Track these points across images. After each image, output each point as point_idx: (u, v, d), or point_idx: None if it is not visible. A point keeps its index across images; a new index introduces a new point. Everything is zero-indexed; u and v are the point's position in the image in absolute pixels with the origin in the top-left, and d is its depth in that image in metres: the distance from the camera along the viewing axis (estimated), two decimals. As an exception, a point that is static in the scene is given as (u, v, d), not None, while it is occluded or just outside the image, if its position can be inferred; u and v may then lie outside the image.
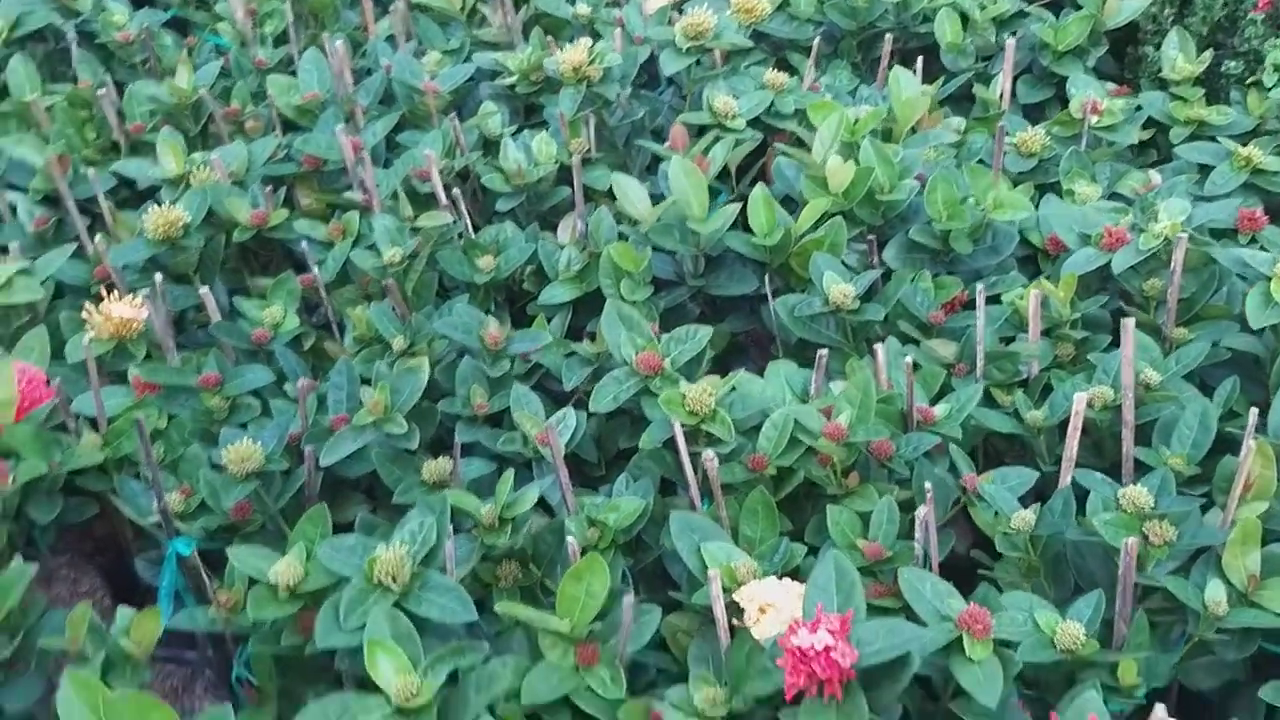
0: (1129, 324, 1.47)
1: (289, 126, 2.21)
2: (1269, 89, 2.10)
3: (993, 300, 1.77)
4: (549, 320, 1.85)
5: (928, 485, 1.39)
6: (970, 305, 1.77)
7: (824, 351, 1.59)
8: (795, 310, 1.72)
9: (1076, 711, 1.20)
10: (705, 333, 1.67)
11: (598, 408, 1.62)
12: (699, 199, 1.79)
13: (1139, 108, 2.13)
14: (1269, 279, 1.54)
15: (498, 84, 2.25)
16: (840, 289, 1.70)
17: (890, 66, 2.11)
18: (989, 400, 1.68)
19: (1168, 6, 2.25)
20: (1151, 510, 1.39)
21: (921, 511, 1.38)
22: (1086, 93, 2.08)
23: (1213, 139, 2.05)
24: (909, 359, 1.55)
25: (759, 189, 1.79)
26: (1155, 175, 1.97)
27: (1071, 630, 1.30)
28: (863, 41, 2.40)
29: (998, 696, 1.23)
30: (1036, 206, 1.90)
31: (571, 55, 2.00)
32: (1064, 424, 1.53)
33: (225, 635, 1.64)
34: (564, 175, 2.01)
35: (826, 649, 1.18)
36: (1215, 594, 1.34)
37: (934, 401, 1.62)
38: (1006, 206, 1.80)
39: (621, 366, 1.63)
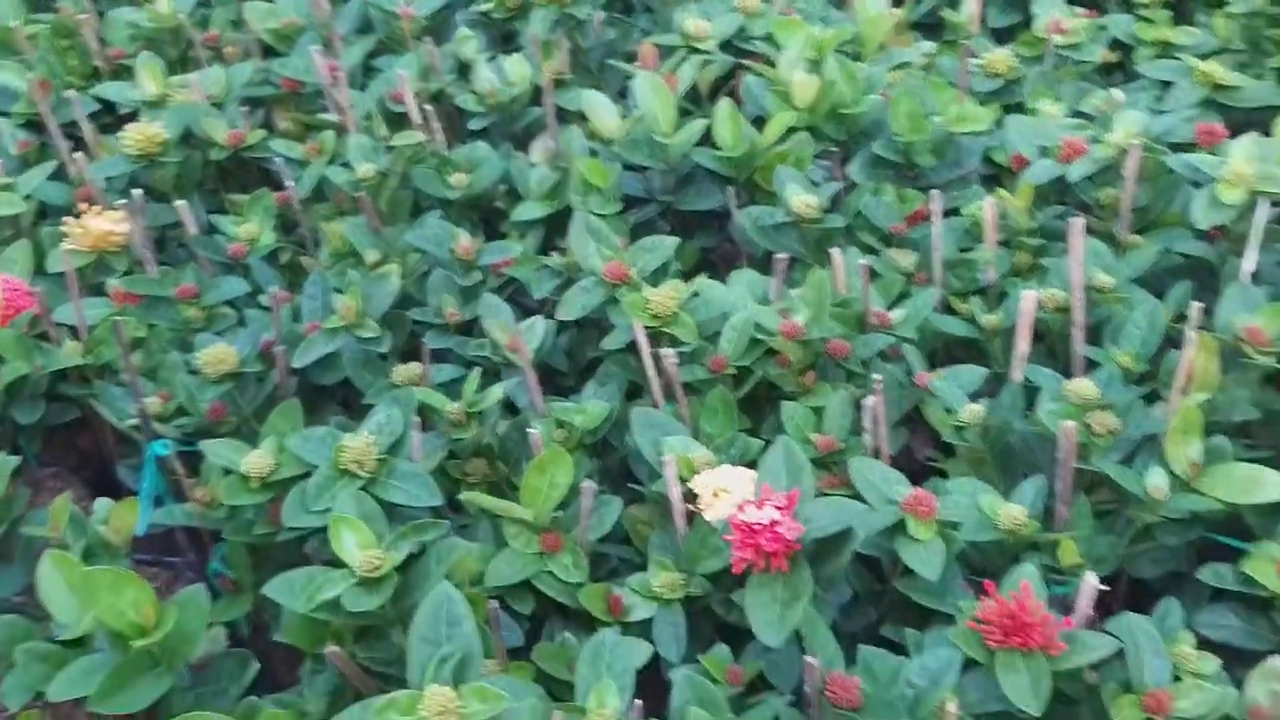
0: (1077, 224, 1.51)
1: (268, 52, 2.25)
2: (1236, 11, 2.12)
3: (955, 213, 1.81)
4: (522, 238, 1.89)
5: (876, 376, 1.43)
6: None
7: (782, 256, 1.63)
8: (758, 220, 1.76)
9: (1013, 582, 1.25)
10: (671, 242, 1.71)
11: (566, 315, 1.67)
12: (666, 114, 1.82)
13: (1103, 28, 2.16)
14: (1216, 181, 1.57)
15: (474, 10, 2.28)
16: (802, 199, 1.73)
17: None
18: (948, 308, 1.73)
19: (1136, -71, 2.27)
20: (1097, 401, 1.44)
21: (870, 401, 1.42)
22: (1051, 14, 2.11)
23: (1177, 59, 2.08)
24: (863, 262, 1.59)
25: (724, 103, 1.82)
26: (1118, 93, 2.00)
27: (1013, 512, 1.34)
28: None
29: (939, 571, 1.28)
30: (999, 125, 1.94)
31: (543, -23, 2.03)
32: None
33: (204, 537, 1.70)
34: (538, 97, 2.05)
35: (772, 523, 1.23)
36: (1156, 480, 1.39)
37: (892, 307, 1.67)
38: (967, 120, 1.84)
39: (590, 277, 1.68)
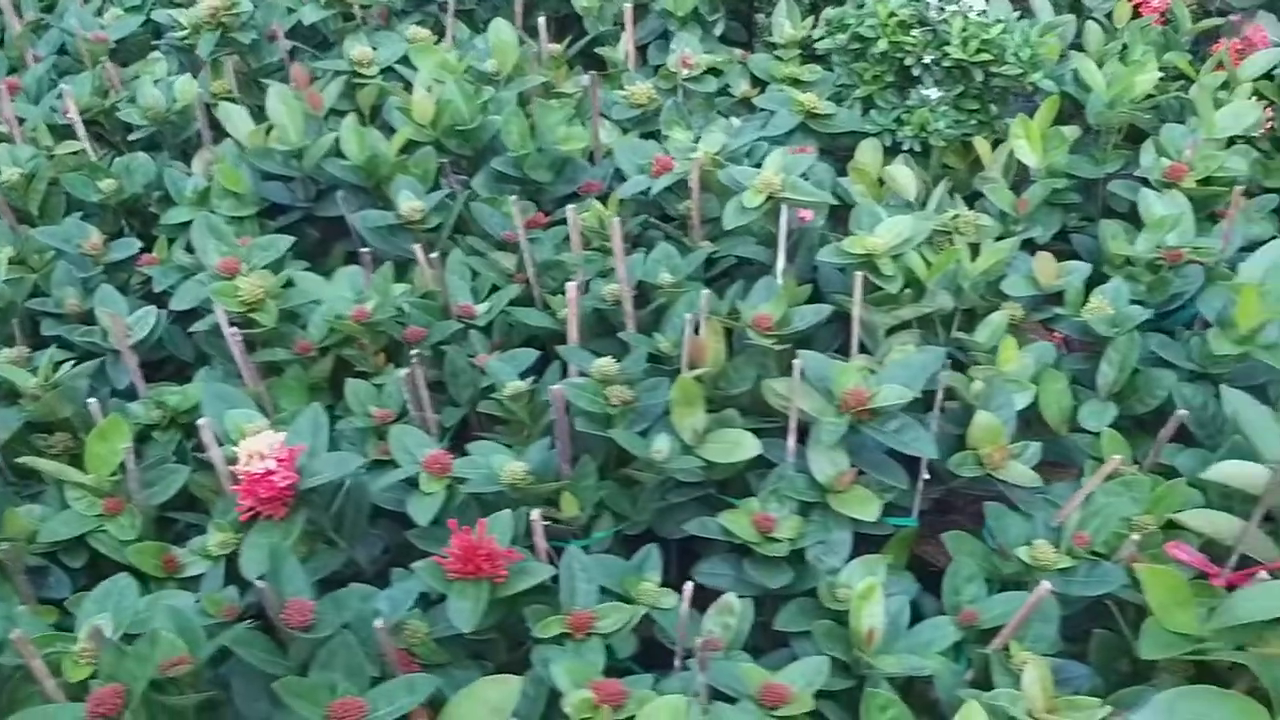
0: (615, 224, 1.69)
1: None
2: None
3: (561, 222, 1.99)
4: (171, 241, 2.03)
5: (414, 354, 1.59)
6: (550, 226, 2.00)
7: (365, 251, 1.79)
8: (371, 223, 1.92)
9: (501, 523, 1.40)
10: (285, 242, 1.86)
11: (178, 305, 1.81)
12: (295, 126, 1.98)
13: (744, 64, 2.39)
14: (747, 189, 1.77)
15: (172, 37, 2.42)
16: (411, 205, 1.90)
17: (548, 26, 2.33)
18: (547, 305, 1.89)
19: (777, -23, 2.51)
20: (615, 377, 1.61)
21: (404, 373, 1.58)
22: (684, 50, 2.33)
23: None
24: (444, 258, 1.75)
25: (350, 118, 1.99)
26: (736, 121, 2.22)
27: (515, 468, 1.51)
28: (528, 6, 2.63)
29: (430, 517, 1.43)
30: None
31: (209, 1, 2.18)
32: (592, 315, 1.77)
33: None
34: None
35: (267, 473, 1.37)
36: (660, 445, 1.56)
37: (481, 301, 1.84)
38: (571, 140, 2.03)
39: (206, 271, 1.82)
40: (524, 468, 1.51)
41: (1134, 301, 1.82)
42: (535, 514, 1.36)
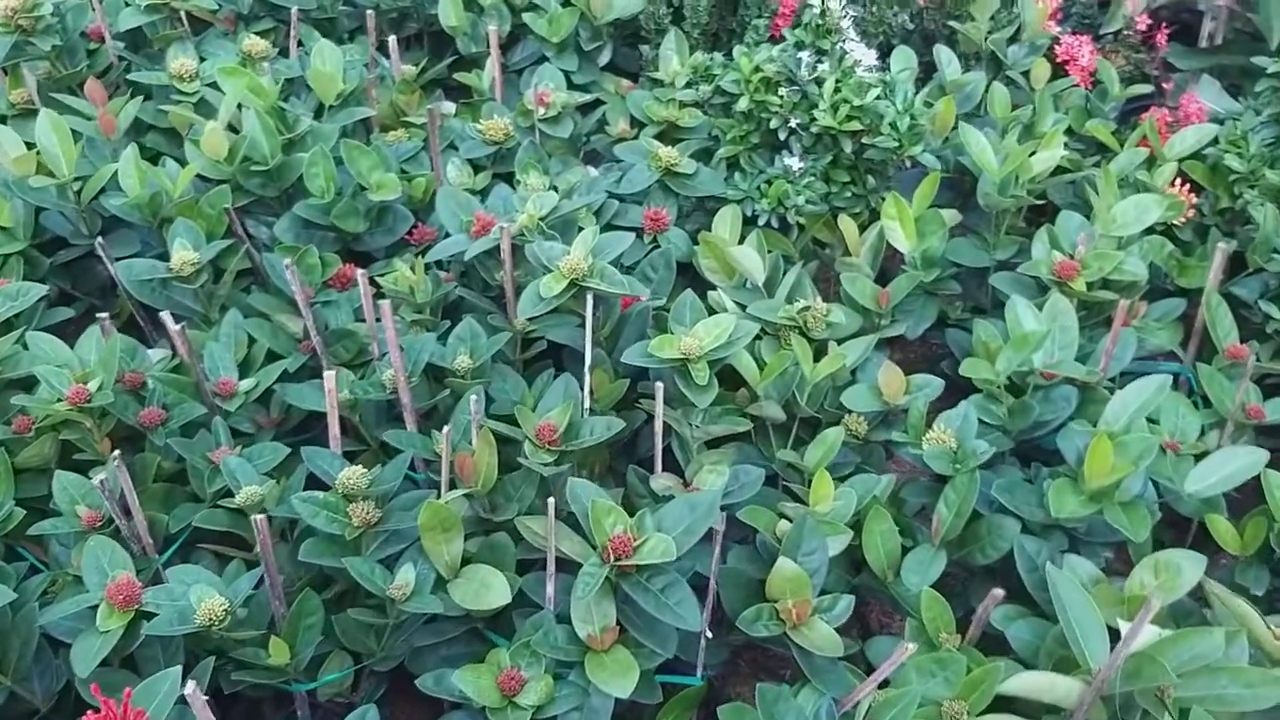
0: (385, 306, 1.46)
1: None
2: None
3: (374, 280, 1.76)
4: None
5: (114, 455, 1.36)
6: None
7: (104, 316, 1.55)
8: (131, 274, 1.68)
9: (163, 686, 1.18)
10: (36, 291, 1.63)
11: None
12: (68, 154, 1.74)
13: (621, 99, 2.15)
14: (550, 272, 1.53)
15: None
16: (182, 255, 1.67)
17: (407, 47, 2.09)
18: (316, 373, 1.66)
19: (665, 6, 2.26)
20: (360, 490, 1.39)
21: (101, 477, 1.35)
22: (547, 84, 2.08)
23: (688, 139, 2.06)
24: (178, 329, 1.52)
25: (131, 149, 1.75)
26: (593, 170, 1.98)
27: (214, 606, 1.28)
28: (392, 20, 2.39)
29: (91, 666, 1.21)
30: (484, 197, 1.89)
31: (3, 2, 1.94)
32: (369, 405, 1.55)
33: None
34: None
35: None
36: (403, 579, 1.34)
37: (245, 375, 1.61)
38: (386, 188, 1.79)
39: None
40: (223, 605, 1.28)
41: (991, 426, 1.59)
42: (190, 686, 1.13)
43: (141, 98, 1.92)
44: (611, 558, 1.27)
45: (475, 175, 2.00)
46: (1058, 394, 1.59)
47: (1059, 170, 2.01)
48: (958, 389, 1.66)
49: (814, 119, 1.75)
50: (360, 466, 1.41)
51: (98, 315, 1.53)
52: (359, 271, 1.62)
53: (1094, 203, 1.79)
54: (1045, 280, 1.75)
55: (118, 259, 1.80)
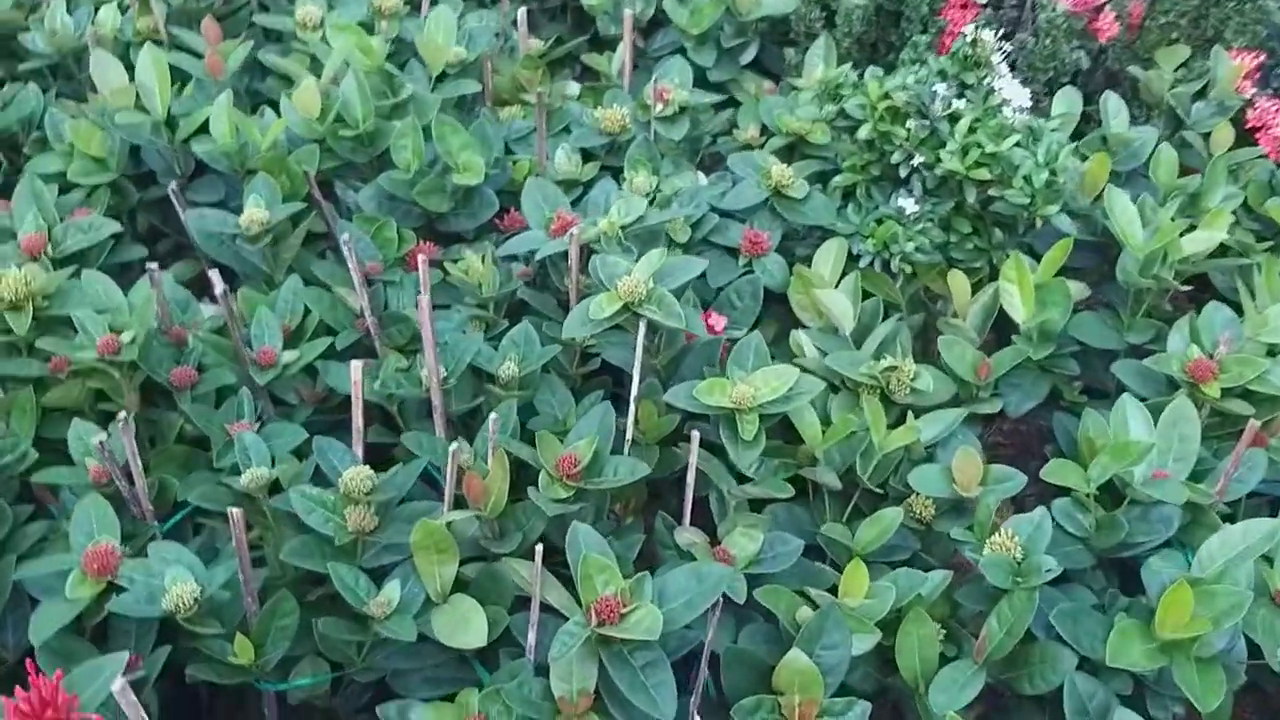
0: (423, 302, 1.37)
1: None
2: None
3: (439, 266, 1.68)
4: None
5: (121, 415, 1.31)
6: (436, 264, 1.69)
7: (154, 266, 1.50)
8: (201, 225, 1.64)
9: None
10: (109, 228, 1.62)
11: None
12: (162, 89, 1.71)
13: (756, 103, 2.00)
14: (605, 291, 1.41)
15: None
16: (252, 214, 1.62)
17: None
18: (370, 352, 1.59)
19: (818, 10, 2.09)
20: (364, 493, 1.31)
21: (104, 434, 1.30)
22: (673, 79, 1.96)
23: (815, 156, 1.91)
24: (223, 290, 1.46)
25: (225, 95, 1.70)
26: (702, 176, 1.85)
27: (183, 591, 1.22)
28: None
29: (48, 633, 1.17)
30: (589, 189, 1.79)
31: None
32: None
33: None
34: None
35: None
36: (385, 597, 1.26)
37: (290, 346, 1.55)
38: (470, 171, 1.70)
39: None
40: (194, 592, 1.22)
41: (1073, 537, 1.40)
42: (119, 685, 1.07)
43: (252, 43, 1.88)
44: (594, 621, 1.15)
45: (584, 165, 1.89)
46: (1157, 514, 1.39)
47: (1223, 252, 1.77)
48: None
49: (939, 159, 1.58)
50: (367, 469, 1.33)
51: (147, 265, 1.49)
52: (419, 255, 1.54)
53: (1254, 297, 1.56)
54: (1176, 378, 1.54)
55: (199, 204, 1.77)
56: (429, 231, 1.76)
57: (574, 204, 1.80)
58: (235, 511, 1.19)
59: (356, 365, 1.37)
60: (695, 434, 1.31)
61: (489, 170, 1.73)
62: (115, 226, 1.62)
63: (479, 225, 1.77)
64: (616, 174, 1.87)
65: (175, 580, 1.23)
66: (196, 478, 1.41)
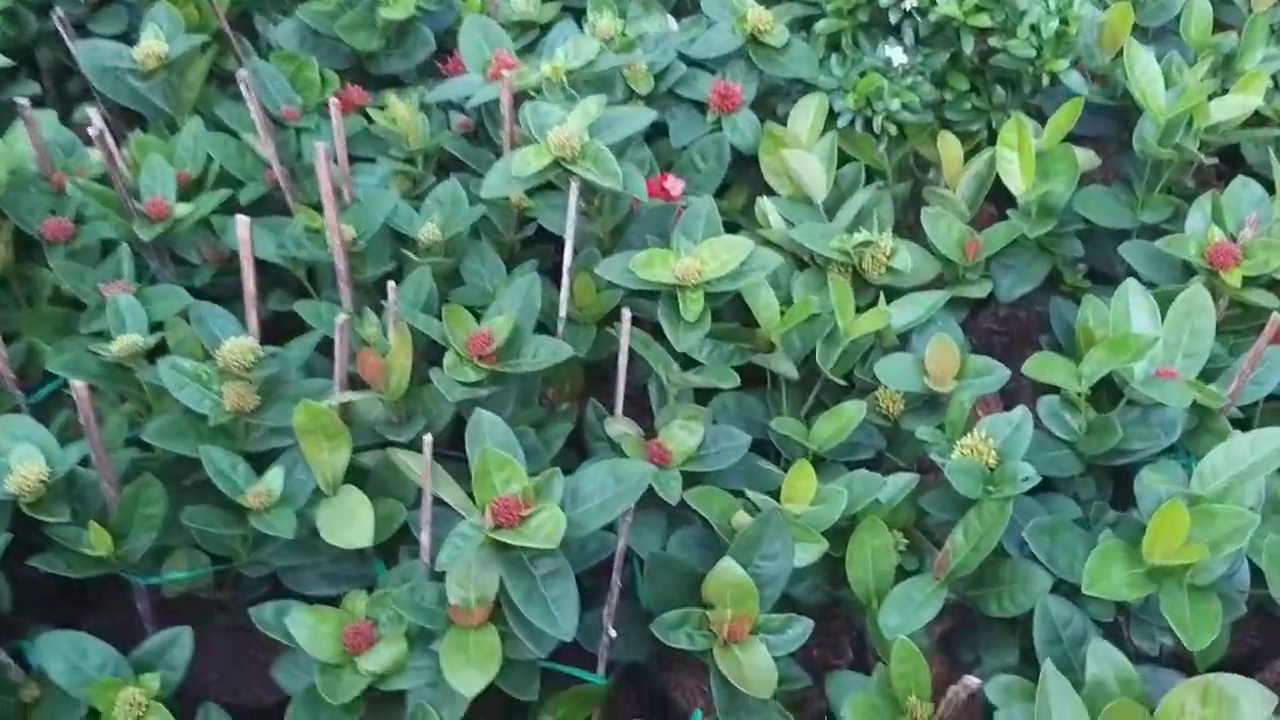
0: (319, 149, 1.18)
1: None
2: None
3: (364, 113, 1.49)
4: None
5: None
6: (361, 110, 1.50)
7: (24, 102, 1.31)
8: (91, 58, 1.45)
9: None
10: (-13, 58, 1.42)
11: None
12: None
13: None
14: (534, 144, 1.22)
15: None
16: (148, 46, 1.42)
17: None
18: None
19: None
20: (245, 364, 1.14)
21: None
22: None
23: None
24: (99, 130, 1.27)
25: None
26: (673, 22, 1.63)
27: (28, 473, 1.07)
28: None
29: None
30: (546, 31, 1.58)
31: None
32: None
33: None
34: None
35: None
36: (264, 486, 1.11)
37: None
38: (398, 5, 1.49)
39: None
40: (40, 474, 1.07)
41: (1060, 441, 1.23)
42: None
43: None
44: (491, 523, 1.00)
45: (544, 5, 1.68)
46: (1158, 417, 1.22)
47: (1259, 121, 1.56)
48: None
49: (934, 3, 1.36)
50: (250, 340, 1.16)
51: (17, 100, 1.30)
52: (332, 100, 1.35)
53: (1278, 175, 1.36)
54: (1193, 263, 1.35)
55: (99, 36, 1.57)
56: (358, 73, 1.57)
57: (529, 48, 1.61)
58: (78, 384, 1.02)
59: (243, 221, 1.19)
60: (626, 312, 1.13)
61: (426, 5, 1.53)
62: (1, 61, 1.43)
63: (415, 68, 1.57)
64: (580, 16, 1.66)
65: (22, 460, 1.08)
66: (68, 343, 1.25)
